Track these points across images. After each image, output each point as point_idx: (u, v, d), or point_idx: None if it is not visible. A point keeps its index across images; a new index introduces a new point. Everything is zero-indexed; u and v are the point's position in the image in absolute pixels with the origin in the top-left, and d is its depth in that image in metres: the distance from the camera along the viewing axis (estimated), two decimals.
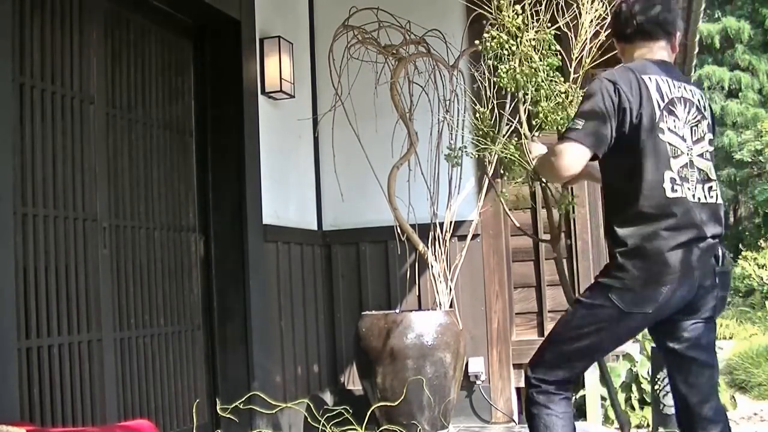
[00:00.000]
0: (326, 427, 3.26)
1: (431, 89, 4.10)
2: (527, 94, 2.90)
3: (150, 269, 3.53)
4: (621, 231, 2.24)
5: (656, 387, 4.26)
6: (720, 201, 2.32)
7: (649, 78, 2.26)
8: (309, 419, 3.30)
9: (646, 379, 4.72)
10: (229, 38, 3.97)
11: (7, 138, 2.62)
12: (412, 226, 4.06)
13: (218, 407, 3.48)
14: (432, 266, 4.05)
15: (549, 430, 2.28)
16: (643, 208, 2.21)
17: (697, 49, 6.46)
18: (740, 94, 15.65)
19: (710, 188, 2.29)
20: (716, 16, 16.38)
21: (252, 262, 3.89)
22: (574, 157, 2.23)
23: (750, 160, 14.39)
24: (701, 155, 2.29)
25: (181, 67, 3.88)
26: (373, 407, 3.64)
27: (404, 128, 4.06)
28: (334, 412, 3.27)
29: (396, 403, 3.68)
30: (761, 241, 12.94)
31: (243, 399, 3.19)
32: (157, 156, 3.65)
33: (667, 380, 4.19)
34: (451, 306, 4.05)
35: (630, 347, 6.26)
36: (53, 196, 2.99)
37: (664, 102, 2.25)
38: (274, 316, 4.17)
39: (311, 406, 3.27)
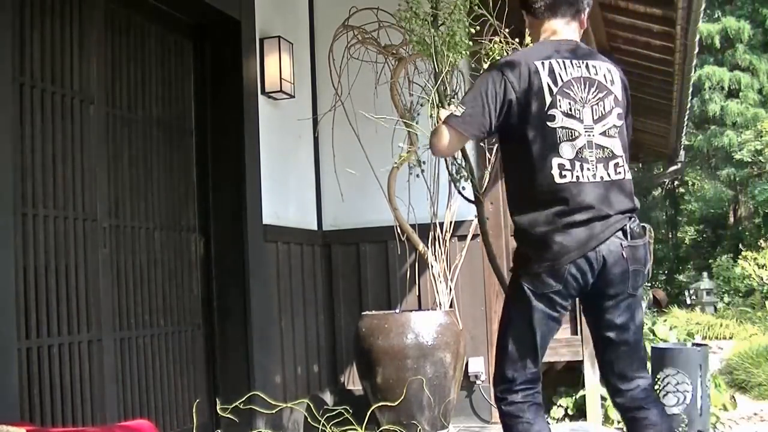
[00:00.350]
0: (326, 427, 3.26)
1: (431, 89, 4.09)
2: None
3: (150, 269, 3.53)
4: (517, 218, 2.32)
5: (656, 387, 4.26)
6: (628, 177, 2.32)
7: (542, 63, 2.28)
8: (309, 419, 3.30)
9: None
10: (229, 38, 3.97)
11: (7, 138, 2.62)
12: (412, 226, 4.06)
13: (218, 407, 3.48)
14: (432, 266, 4.05)
15: None
16: (534, 195, 2.27)
17: (697, 49, 6.45)
18: (740, 94, 15.61)
19: (616, 165, 2.30)
20: (716, 16, 16.36)
21: (252, 262, 3.89)
22: (450, 142, 2.38)
23: (750, 160, 14.36)
24: (604, 133, 2.30)
25: (181, 67, 3.88)
26: (373, 407, 3.64)
27: (404, 128, 4.06)
28: (334, 412, 3.27)
29: (396, 403, 3.68)
30: (761, 241, 12.93)
31: (243, 399, 3.19)
32: (157, 156, 3.65)
33: (667, 380, 4.21)
34: (451, 306, 4.05)
35: None
36: (53, 196, 2.99)
37: (557, 86, 2.27)
38: (274, 316, 4.17)
39: (311, 406, 3.27)
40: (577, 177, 2.24)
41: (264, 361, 3.93)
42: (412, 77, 4.18)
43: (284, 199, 4.39)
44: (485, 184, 4.22)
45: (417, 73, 4.16)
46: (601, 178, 2.26)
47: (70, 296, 3.03)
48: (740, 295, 12.86)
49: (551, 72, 2.28)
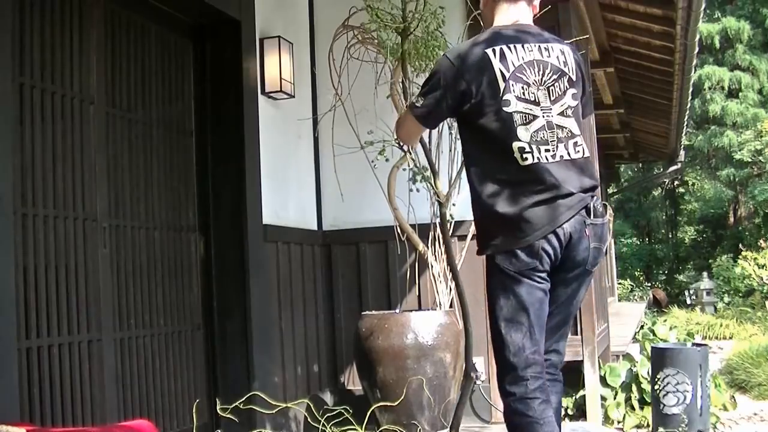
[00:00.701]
0: (326, 427, 3.26)
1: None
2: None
3: (150, 269, 3.53)
4: (484, 201, 2.34)
5: (656, 387, 4.26)
6: (587, 154, 2.35)
7: (493, 50, 2.31)
8: (309, 419, 3.30)
9: (646, 379, 4.72)
10: (229, 38, 3.97)
11: (7, 138, 2.62)
12: (412, 226, 4.05)
13: (218, 407, 3.47)
14: (432, 266, 4.05)
15: None
16: (499, 178, 2.31)
17: (697, 49, 6.45)
18: (740, 94, 15.62)
19: (575, 144, 2.33)
20: (716, 16, 16.36)
21: (252, 262, 3.89)
22: (411, 131, 2.60)
23: (750, 160, 14.37)
24: (562, 113, 2.34)
25: (181, 67, 3.88)
26: (373, 407, 3.64)
27: None
28: (334, 412, 3.27)
29: (396, 403, 3.68)
30: (761, 241, 12.92)
31: (243, 399, 3.19)
32: (157, 156, 3.65)
33: (667, 380, 4.20)
34: (451, 306, 4.05)
35: (630, 347, 6.26)
36: (53, 196, 2.99)
37: (509, 71, 2.30)
38: (274, 316, 4.17)
39: (311, 406, 3.27)
40: (538, 158, 2.28)
41: (264, 361, 3.93)
42: (413, 77, 4.18)
43: (284, 199, 4.39)
44: None
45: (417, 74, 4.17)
46: (561, 157, 2.30)
47: (70, 296, 3.03)
48: (740, 295, 12.87)
49: (502, 58, 2.31)
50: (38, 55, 2.96)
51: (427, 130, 3.12)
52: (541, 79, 2.33)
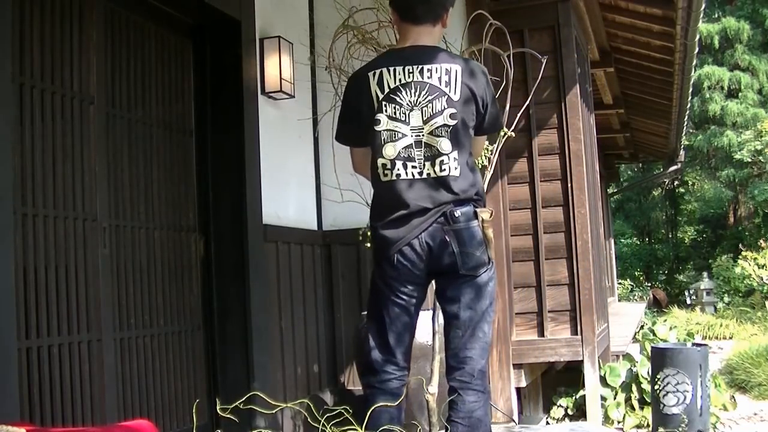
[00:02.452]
0: (326, 427, 3.25)
1: None
2: None
3: (150, 269, 3.53)
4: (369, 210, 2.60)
5: (656, 387, 4.26)
6: (453, 173, 2.46)
7: (373, 73, 2.51)
8: (309, 419, 3.29)
9: (646, 379, 4.73)
10: (229, 38, 3.97)
11: (7, 138, 2.62)
12: None
13: (218, 407, 3.46)
14: None
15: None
16: (374, 192, 2.56)
17: (697, 49, 6.46)
18: (740, 94, 15.62)
19: (441, 162, 2.45)
20: (716, 16, 16.37)
21: (252, 262, 3.89)
22: (352, 156, 2.71)
23: (750, 160, 14.37)
24: (432, 133, 2.46)
25: (181, 67, 3.88)
26: (373, 407, 3.64)
27: None
28: (334, 412, 3.27)
29: (396, 404, 3.67)
30: (761, 241, 12.93)
31: (243, 399, 3.18)
32: (157, 156, 3.65)
33: (667, 380, 4.20)
34: None
35: (630, 347, 6.26)
36: (53, 196, 2.99)
37: (383, 93, 2.48)
38: (274, 316, 4.17)
39: (311, 406, 3.26)
40: (398, 175, 2.46)
41: (264, 361, 3.93)
42: None
43: (284, 199, 4.39)
44: (486, 185, 4.23)
45: None
46: (428, 174, 2.45)
47: (70, 296, 3.03)
48: (740, 295, 12.87)
49: (380, 81, 2.49)
50: (38, 55, 2.96)
51: None
52: (417, 100, 2.46)
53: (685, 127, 10.11)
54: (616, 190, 16.82)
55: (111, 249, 3.27)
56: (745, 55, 15.74)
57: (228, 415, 3.03)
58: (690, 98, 8.42)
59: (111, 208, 3.30)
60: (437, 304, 3.56)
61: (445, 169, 2.45)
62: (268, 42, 4.20)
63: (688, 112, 9.14)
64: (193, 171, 3.92)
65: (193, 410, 3.38)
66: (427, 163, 2.45)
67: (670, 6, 5.40)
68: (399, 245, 2.45)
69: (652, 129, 10.18)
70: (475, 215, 2.47)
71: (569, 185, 4.71)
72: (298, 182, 4.59)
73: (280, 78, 4.19)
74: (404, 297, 2.52)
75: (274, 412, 3.59)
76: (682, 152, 12.13)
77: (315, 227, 4.75)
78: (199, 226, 3.91)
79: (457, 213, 2.44)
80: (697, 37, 6.11)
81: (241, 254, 3.87)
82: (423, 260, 2.46)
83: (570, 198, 4.71)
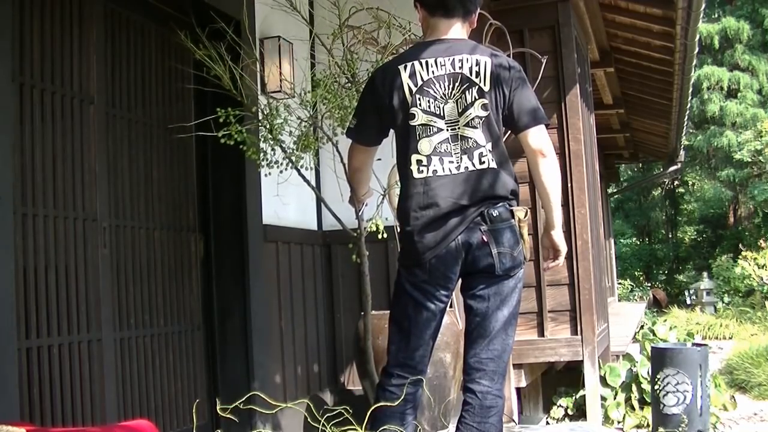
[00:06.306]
0: (326, 427, 3.25)
1: None
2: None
3: (150, 269, 3.53)
4: (397, 211, 2.51)
5: (656, 387, 4.26)
6: (492, 166, 2.39)
7: (405, 66, 2.42)
8: (309, 419, 3.29)
9: (646, 379, 4.73)
10: (229, 38, 3.96)
11: (7, 138, 2.62)
12: None
13: (218, 407, 3.47)
14: None
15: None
16: (403, 190, 2.46)
17: (697, 49, 6.45)
18: (739, 94, 15.62)
19: (480, 154, 2.38)
20: (716, 16, 16.38)
21: (252, 262, 3.89)
22: (350, 151, 2.64)
23: (750, 160, 14.37)
24: (468, 125, 2.39)
25: (181, 67, 3.88)
26: (373, 407, 3.63)
27: None
28: (334, 412, 3.27)
29: (396, 404, 3.67)
30: (761, 241, 12.93)
31: (243, 399, 3.19)
32: (157, 156, 3.65)
33: (667, 380, 4.20)
34: (450, 306, 4.05)
35: (630, 347, 6.26)
36: (53, 196, 2.99)
37: (416, 86, 2.40)
38: (274, 316, 4.17)
39: (311, 406, 3.26)
40: (434, 171, 2.38)
41: (264, 361, 3.93)
42: None
43: (284, 199, 4.39)
44: None
45: None
46: (466, 168, 2.37)
47: (70, 296, 3.03)
48: (740, 295, 12.88)
49: (412, 74, 2.41)
50: (38, 55, 2.96)
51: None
52: (450, 92, 2.40)
53: (685, 127, 10.11)
54: (616, 190, 16.82)
55: (111, 249, 3.27)
56: (744, 55, 15.74)
57: (228, 415, 3.03)
58: (690, 98, 8.42)
59: (111, 208, 3.30)
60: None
61: (484, 162, 2.37)
62: (268, 42, 4.20)
63: (688, 112, 9.14)
64: (193, 171, 3.92)
65: (193, 410, 3.38)
66: (464, 157, 2.37)
67: (670, 6, 5.40)
68: (436, 250, 2.36)
69: (652, 129, 10.19)
70: (511, 214, 2.40)
71: (569, 185, 4.71)
72: (298, 182, 4.59)
73: (280, 78, 4.19)
74: (436, 302, 2.43)
75: (274, 412, 3.59)
76: (682, 152, 12.13)
77: (315, 227, 4.75)
78: (199, 226, 3.91)
79: (495, 213, 2.36)
80: (697, 37, 6.10)
81: (241, 254, 3.87)
82: (458, 263, 2.38)
83: (570, 198, 4.71)
